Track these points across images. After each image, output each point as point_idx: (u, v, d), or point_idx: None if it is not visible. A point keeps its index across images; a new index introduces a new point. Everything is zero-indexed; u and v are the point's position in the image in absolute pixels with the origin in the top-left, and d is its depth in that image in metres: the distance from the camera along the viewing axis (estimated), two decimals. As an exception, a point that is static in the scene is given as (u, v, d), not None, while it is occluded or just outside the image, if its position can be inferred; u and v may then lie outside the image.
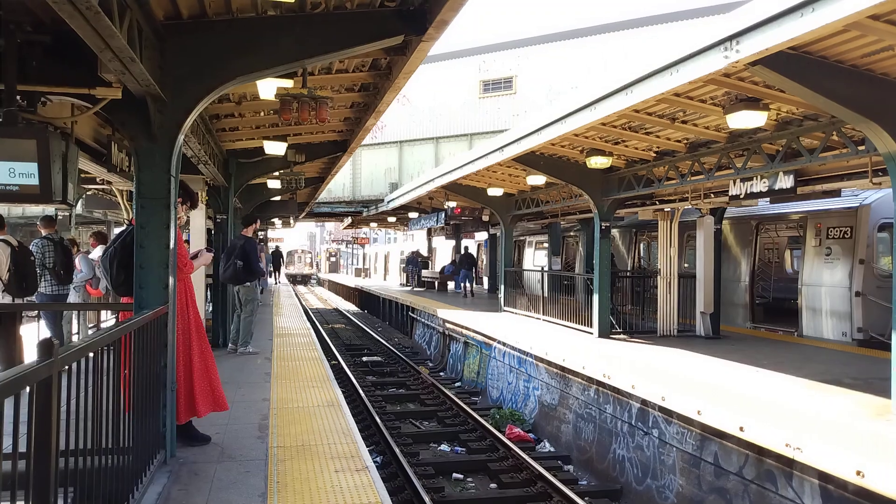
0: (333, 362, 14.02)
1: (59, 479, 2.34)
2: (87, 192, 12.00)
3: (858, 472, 4.69)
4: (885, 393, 6.39)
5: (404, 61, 6.42)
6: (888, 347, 6.51)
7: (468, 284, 23.29)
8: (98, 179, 9.22)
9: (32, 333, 6.34)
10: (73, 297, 9.70)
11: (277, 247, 43.12)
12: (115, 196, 11.38)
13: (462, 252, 26.03)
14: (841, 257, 11.01)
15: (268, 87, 6.48)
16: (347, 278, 50.47)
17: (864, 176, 8.01)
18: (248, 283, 10.15)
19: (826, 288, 11.22)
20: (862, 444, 5.14)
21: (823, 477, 5.16)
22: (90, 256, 9.54)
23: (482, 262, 29.03)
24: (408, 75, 6.89)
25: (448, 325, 16.29)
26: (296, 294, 33.21)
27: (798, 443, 5.27)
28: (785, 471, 5.58)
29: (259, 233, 28.45)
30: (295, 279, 59.05)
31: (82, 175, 7.92)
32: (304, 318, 16.94)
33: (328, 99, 6.34)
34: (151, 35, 4.49)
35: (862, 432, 5.51)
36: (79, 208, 14.82)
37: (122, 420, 3.52)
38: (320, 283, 64.16)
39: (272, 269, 33.49)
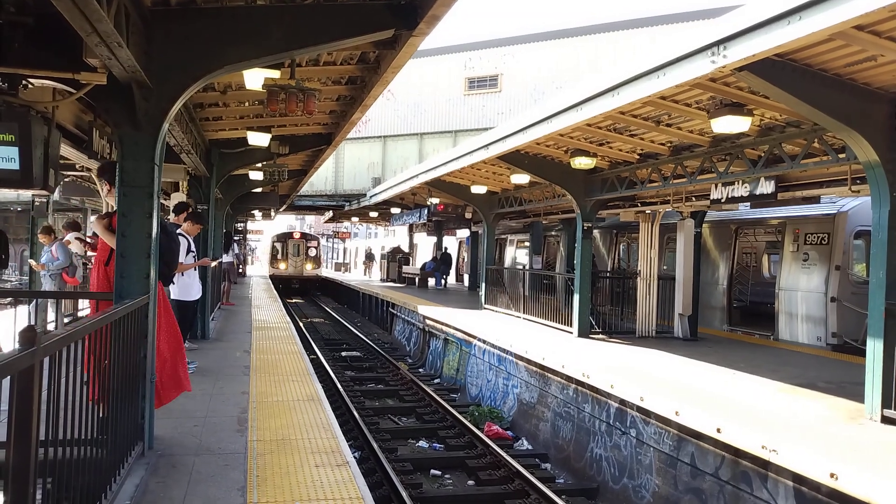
0: (312, 357, 13.93)
1: (37, 469, 2.30)
2: (66, 179, 11.80)
3: (832, 475, 4.76)
4: (859, 397, 6.51)
5: (393, 55, 6.39)
6: (861, 353, 6.63)
7: (444, 281, 25.80)
8: (77, 166, 9.07)
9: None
10: (48, 286, 9.55)
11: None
12: (94, 183, 11.19)
13: (442, 251, 26.35)
14: (817, 263, 11.18)
15: (255, 77, 6.41)
16: (328, 272, 49.99)
17: (844, 183, 8.13)
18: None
19: (802, 293, 11.39)
20: (836, 447, 5.23)
21: (798, 479, 5.23)
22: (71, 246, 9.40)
23: (463, 259, 29.22)
24: (396, 70, 6.87)
25: (428, 321, 16.28)
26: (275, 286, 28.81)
27: (773, 445, 5.35)
28: (760, 472, 5.65)
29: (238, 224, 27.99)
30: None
31: (61, 161, 7.80)
32: (283, 311, 16.81)
33: (316, 91, 6.29)
34: (139, 21, 4.42)
35: (836, 435, 5.61)
36: (56, 195, 14.53)
37: (102, 410, 3.47)
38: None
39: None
